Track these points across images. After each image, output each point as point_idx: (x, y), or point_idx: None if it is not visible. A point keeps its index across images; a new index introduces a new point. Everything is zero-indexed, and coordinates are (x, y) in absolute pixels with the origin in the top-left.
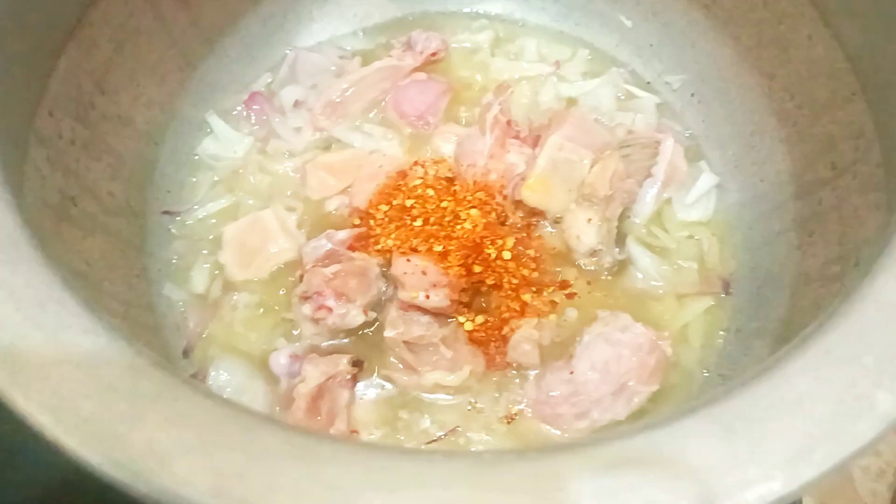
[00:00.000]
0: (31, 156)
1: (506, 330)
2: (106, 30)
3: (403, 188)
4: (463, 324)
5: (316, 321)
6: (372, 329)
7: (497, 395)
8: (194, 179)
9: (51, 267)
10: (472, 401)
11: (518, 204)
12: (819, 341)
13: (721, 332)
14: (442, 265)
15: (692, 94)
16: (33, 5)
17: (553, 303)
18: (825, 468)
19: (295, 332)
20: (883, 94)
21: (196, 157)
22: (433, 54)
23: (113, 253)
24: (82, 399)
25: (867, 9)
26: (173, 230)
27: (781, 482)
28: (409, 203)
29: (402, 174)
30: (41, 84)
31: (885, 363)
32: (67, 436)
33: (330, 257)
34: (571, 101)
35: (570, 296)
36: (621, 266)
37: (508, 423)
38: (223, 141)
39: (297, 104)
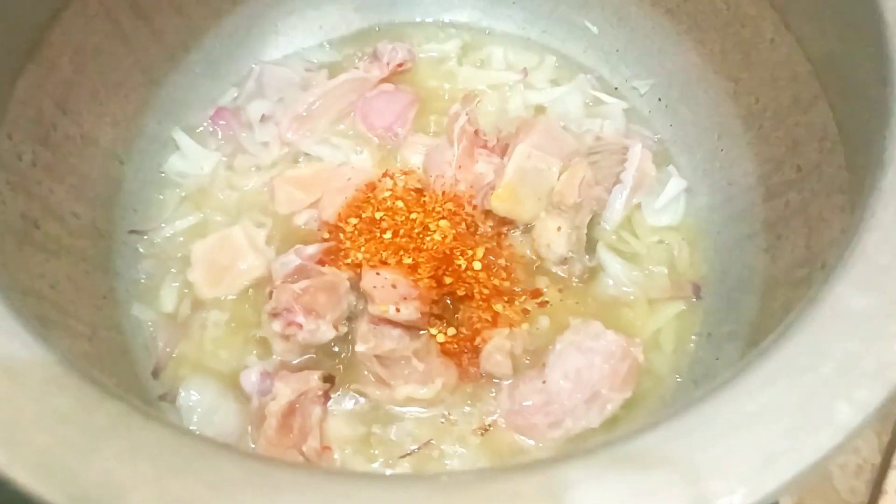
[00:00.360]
0: None
1: (478, 341)
2: (66, 50)
3: (373, 200)
4: (435, 336)
5: (286, 338)
6: (343, 343)
7: (470, 406)
8: (161, 197)
9: (2, 295)
10: (446, 413)
11: (488, 213)
12: (779, 352)
13: (693, 337)
14: (412, 277)
15: (659, 99)
16: None
17: (525, 311)
18: (785, 480)
19: (265, 349)
20: (844, 97)
21: (162, 175)
22: (400, 65)
23: (78, 275)
24: (36, 433)
25: (826, 13)
26: (141, 249)
27: (741, 496)
28: (378, 215)
29: (371, 186)
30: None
31: (843, 373)
32: (21, 471)
33: (299, 273)
34: (539, 109)
35: (542, 304)
36: (592, 273)
37: (482, 434)
38: (190, 157)
39: (263, 118)
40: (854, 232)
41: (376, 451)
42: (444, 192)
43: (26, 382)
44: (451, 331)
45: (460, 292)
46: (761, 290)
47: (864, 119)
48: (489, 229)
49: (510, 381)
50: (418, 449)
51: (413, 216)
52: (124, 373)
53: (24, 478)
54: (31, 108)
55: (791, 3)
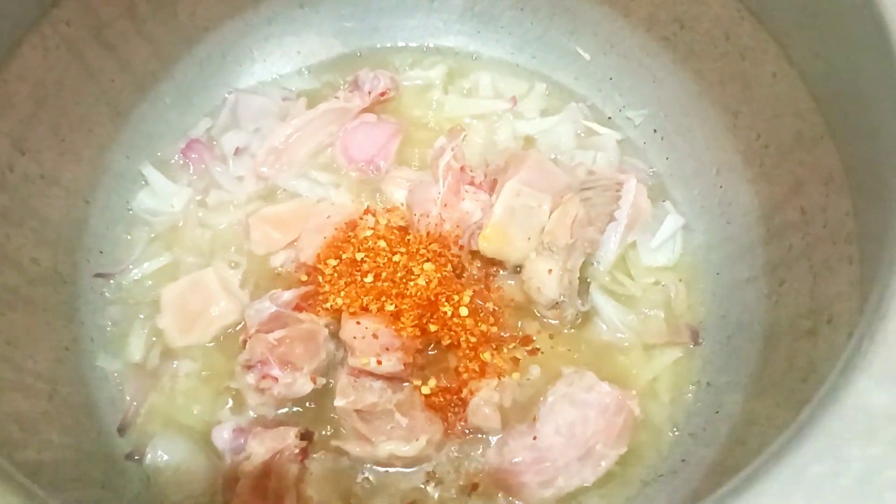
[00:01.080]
0: None
1: (465, 392)
2: (23, 87)
3: (353, 240)
4: (419, 388)
5: (261, 391)
6: (322, 396)
7: (457, 464)
8: (129, 237)
9: None
10: (431, 471)
11: (475, 254)
12: (794, 456)
13: (691, 386)
14: (394, 326)
15: (655, 130)
16: None
17: (515, 360)
18: None
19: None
20: (852, 139)
21: (130, 213)
22: (382, 93)
23: (38, 326)
24: None
25: (832, 51)
26: (107, 294)
27: None
28: (359, 256)
29: (352, 224)
30: None
31: (865, 484)
32: None
33: (275, 321)
34: (529, 140)
35: (533, 352)
36: (585, 317)
37: (469, 494)
38: (160, 194)
39: (238, 151)
40: (872, 309)
41: None
42: (428, 233)
43: None
44: (432, 382)
45: (446, 341)
46: (763, 339)
47: (874, 163)
48: (476, 271)
49: (499, 437)
50: None
51: (396, 258)
52: (87, 431)
53: None
54: None
55: (794, 37)
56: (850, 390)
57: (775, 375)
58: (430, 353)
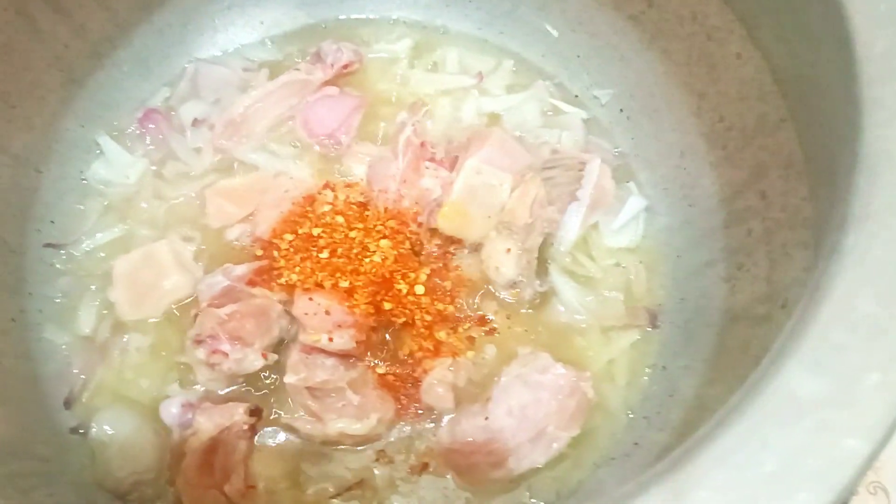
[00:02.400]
0: None
1: (418, 371)
2: None
3: (311, 215)
4: (374, 367)
5: (211, 366)
6: (273, 372)
7: (408, 443)
8: (82, 207)
9: None
10: (381, 450)
11: (434, 232)
12: (718, 441)
13: (647, 370)
14: (347, 303)
15: (621, 110)
16: None
17: (470, 339)
18: None
19: (190, 377)
20: (811, 122)
21: (84, 183)
22: (345, 66)
23: None
24: None
25: (792, 29)
26: (57, 265)
27: None
28: (316, 232)
29: (310, 199)
30: None
31: (787, 472)
32: None
33: (226, 295)
34: (494, 117)
35: (490, 332)
36: (543, 298)
37: (420, 473)
38: (115, 164)
39: (196, 122)
40: (810, 293)
41: (307, 491)
42: (386, 209)
43: None
44: (381, 369)
45: (400, 319)
46: (719, 324)
47: (830, 149)
48: (435, 249)
49: (451, 416)
50: (350, 489)
51: (353, 234)
52: (32, 405)
53: None
54: None
55: (758, 18)
56: (779, 376)
57: (729, 360)
58: (383, 332)
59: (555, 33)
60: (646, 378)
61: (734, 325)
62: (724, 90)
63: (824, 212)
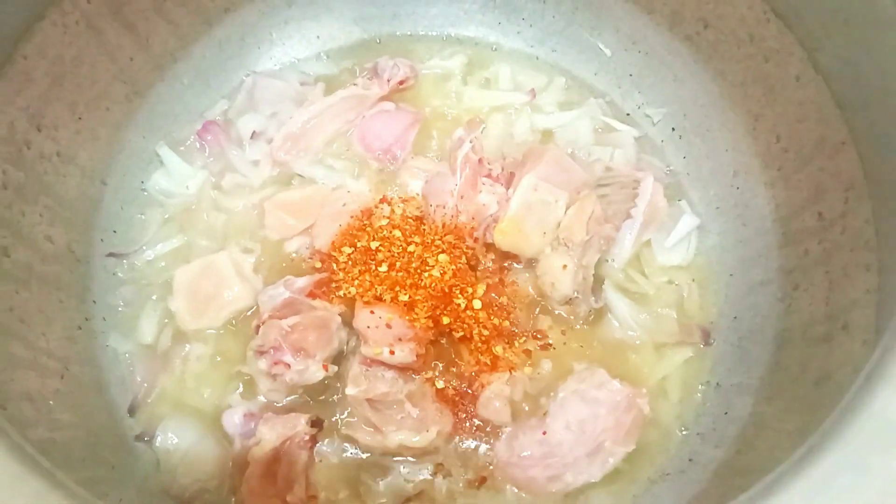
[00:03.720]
0: None
1: (476, 385)
2: (41, 62)
3: (368, 229)
4: (432, 379)
5: (272, 377)
6: (333, 383)
7: (465, 457)
8: (143, 217)
9: None
10: (440, 463)
11: (489, 247)
12: (816, 466)
13: (700, 386)
14: (408, 317)
15: (673, 129)
16: None
17: (527, 352)
18: None
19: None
20: (876, 147)
21: (145, 193)
22: (401, 82)
23: (51, 305)
24: None
25: (860, 59)
26: (120, 274)
27: None
28: (374, 245)
29: (368, 213)
30: None
31: (888, 497)
32: None
33: (288, 307)
34: (547, 134)
35: (545, 347)
36: (598, 314)
37: (478, 487)
38: (175, 175)
39: (255, 135)
40: (892, 320)
41: (367, 502)
42: (444, 224)
43: None
44: (440, 384)
45: (458, 333)
46: (775, 343)
47: (894, 173)
48: (490, 264)
49: (509, 430)
50: (409, 501)
51: (411, 248)
52: (98, 411)
53: None
54: (1, 127)
55: (822, 42)
56: (871, 401)
57: (786, 380)
58: (441, 345)
59: (607, 52)
60: (699, 395)
61: (790, 345)
62: (782, 112)
63: (891, 235)
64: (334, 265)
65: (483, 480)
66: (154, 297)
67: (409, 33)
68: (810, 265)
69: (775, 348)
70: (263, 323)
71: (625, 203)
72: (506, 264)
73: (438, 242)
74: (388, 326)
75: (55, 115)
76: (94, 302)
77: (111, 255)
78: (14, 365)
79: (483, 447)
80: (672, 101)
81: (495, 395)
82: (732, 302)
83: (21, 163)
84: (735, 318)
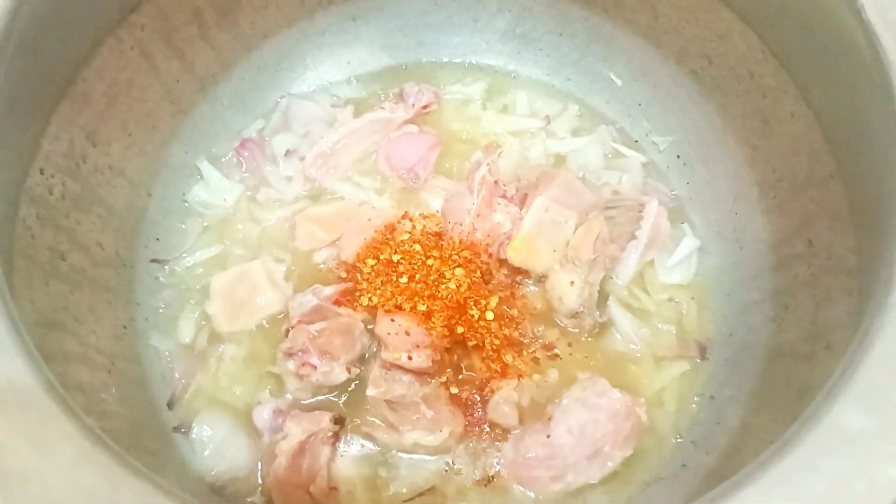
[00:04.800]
0: (20, 216)
1: (486, 390)
2: (99, 84)
3: (391, 242)
4: (448, 385)
5: (300, 377)
6: (355, 384)
7: (475, 455)
8: (183, 226)
9: (35, 371)
10: (450, 461)
11: (503, 262)
12: (775, 466)
13: (695, 398)
14: (425, 326)
15: (678, 156)
16: (28, 69)
17: (535, 360)
18: None
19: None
20: (860, 179)
21: (186, 204)
22: (425, 106)
23: (100, 305)
24: None
25: (845, 100)
26: (161, 279)
27: None
28: (395, 258)
29: (391, 228)
30: (33, 144)
31: (834, 492)
32: None
33: (316, 313)
34: (560, 158)
35: (552, 357)
36: (602, 327)
37: (485, 485)
38: (214, 188)
39: (288, 153)
40: (860, 340)
41: (383, 494)
42: (461, 240)
43: (56, 458)
44: (454, 390)
45: (471, 342)
46: (765, 359)
47: (877, 206)
48: (503, 278)
49: (516, 433)
50: (421, 495)
51: (430, 262)
52: (141, 404)
53: None
54: (62, 142)
55: (812, 82)
56: (831, 411)
57: (773, 393)
58: (454, 352)
59: (618, 82)
60: (694, 405)
61: (778, 361)
62: (777, 144)
63: (870, 263)
64: (358, 275)
65: (490, 480)
66: (192, 301)
67: (433, 60)
68: (799, 288)
69: (765, 364)
70: (293, 327)
71: (630, 225)
72: (517, 279)
73: (455, 257)
74: (407, 334)
75: (109, 131)
76: (138, 304)
77: (154, 260)
78: (69, 359)
79: (491, 448)
80: (677, 129)
81: (504, 400)
82: (728, 320)
83: (78, 175)
84: (730, 334)
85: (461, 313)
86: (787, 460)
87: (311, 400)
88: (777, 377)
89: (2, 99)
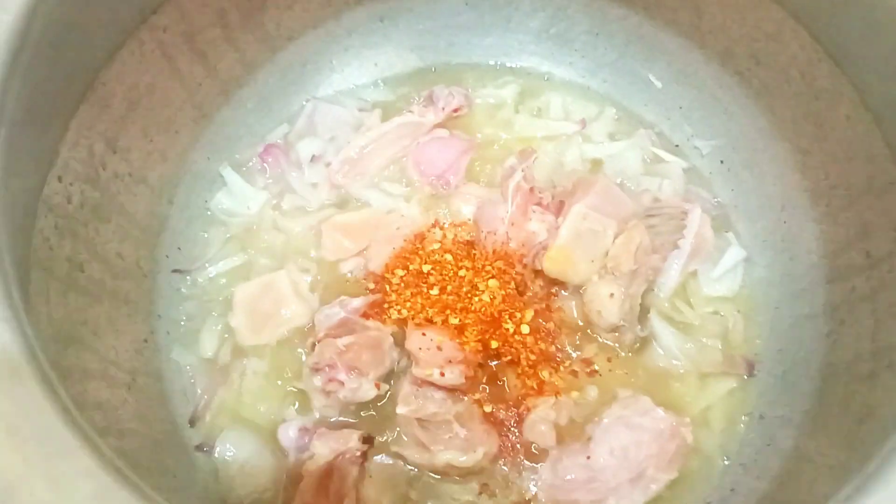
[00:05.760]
0: (38, 226)
1: (522, 408)
2: (119, 88)
3: (421, 252)
4: (481, 403)
5: (327, 394)
6: (384, 401)
7: (510, 477)
8: (206, 235)
9: (52, 399)
10: (485, 483)
11: (538, 273)
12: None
13: (743, 417)
14: (458, 340)
15: (722, 162)
16: (46, 73)
17: (574, 375)
18: None
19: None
20: None
21: (208, 212)
22: (455, 110)
23: (120, 318)
24: None
25: None
26: (183, 290)
27: None
28: (426, 268)
29: (420, 237)
30: (51, 151)
31: None
32: None
33: (343, 326)
34: (596, 163)
35: (591, 373)
36: (643, 342)
37: None
38: (237, 195)
39: (314, 158)
40: None
41: None
42: (494, 250)
43: (75, 496)
44: (488, 408)
45: (506, 357)
46: (819, 377)
47: None
48: (538, 290)
49: (553, 453)
50: None
51: (462, 273)
52: (162, 421)
53: None
54: (81, 149)
55: (872, 84)
56: None
57: (830, 415)
58: (489, 367)
59: (658, 84)
60: (742, 426)
61: (835, 380)
62: (831, 149)
63: None
64: (387, 287)
65: (527, 502)
66: (215, 313)
67: (463, 62)
68: (857, 302)
69: (819, 383)
70: (319, 341)
71: (672, 234)
72: (553, 291)
73: (489, 268)
74: (439, 349)
75: (129, 137)
76: (159, 316)
77: (176, 271)
78: (87, 376)
79: (527, 471)
80: (721, 134)
81: (541, 419)
82: (777, 334)
83: (97, 183)
84: (780, 350)
85: (495, 327)
86: (874, 500)
87: (339, 417)
88: (833, 398)
89: (19, 104)
